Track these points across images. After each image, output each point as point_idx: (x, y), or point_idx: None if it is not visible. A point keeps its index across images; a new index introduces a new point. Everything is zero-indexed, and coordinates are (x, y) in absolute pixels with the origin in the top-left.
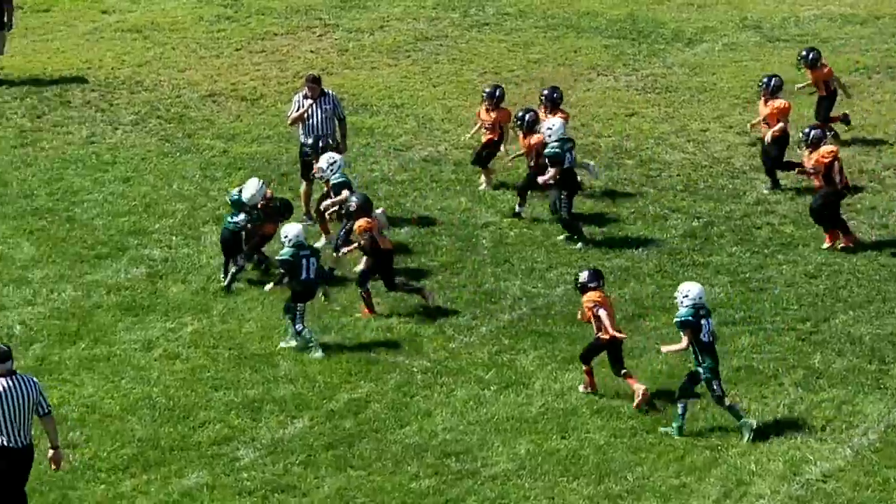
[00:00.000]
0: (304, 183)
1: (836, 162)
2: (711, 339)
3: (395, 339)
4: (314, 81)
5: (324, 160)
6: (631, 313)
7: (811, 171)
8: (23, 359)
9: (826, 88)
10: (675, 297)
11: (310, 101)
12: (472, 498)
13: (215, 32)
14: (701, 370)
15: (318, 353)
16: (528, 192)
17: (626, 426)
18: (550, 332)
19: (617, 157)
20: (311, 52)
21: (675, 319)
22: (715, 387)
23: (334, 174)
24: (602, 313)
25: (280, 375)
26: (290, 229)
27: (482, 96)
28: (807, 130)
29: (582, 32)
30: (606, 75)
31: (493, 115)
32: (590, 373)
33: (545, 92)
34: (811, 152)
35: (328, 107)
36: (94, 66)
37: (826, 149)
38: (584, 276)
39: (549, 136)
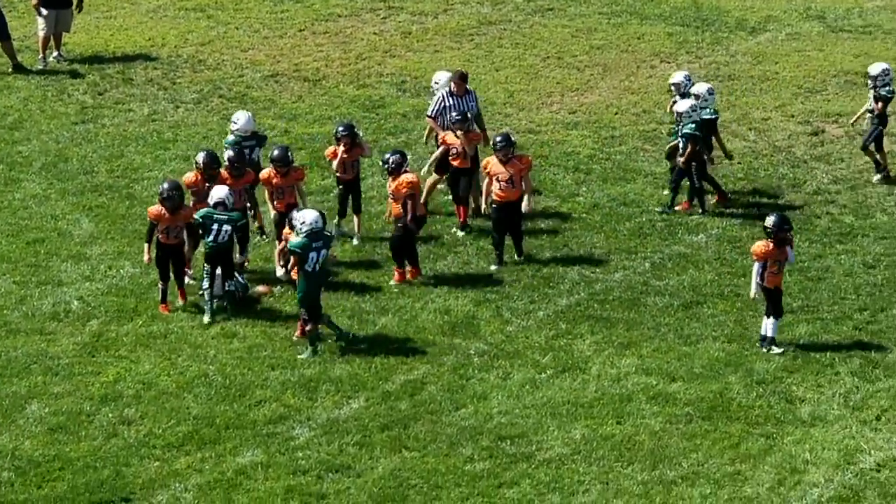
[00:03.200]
0: (433, 176)
1: (414, 194)
2: (316, 268)
3: (453, 321)
4: (462, 79)
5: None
6: (689, 300)
7: (392, 197)
8: (80, 334)
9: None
10: (296, 225)
11: (454, 98)
12: (526, 481)
13: (279, 13)
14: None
15: (206, 317)
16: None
17: (682, 413)
18: (608, 317)
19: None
20: (375, 34)
21: (289, 246)
22: (302, 311)
23: None
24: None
25: (336, 355)
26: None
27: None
28: (387, 156)
29: (645, 19)
30: (669, 62)
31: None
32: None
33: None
34: (393, 179)
35: (472, 104)
36: (156, 44)
37: (406, 178)
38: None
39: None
